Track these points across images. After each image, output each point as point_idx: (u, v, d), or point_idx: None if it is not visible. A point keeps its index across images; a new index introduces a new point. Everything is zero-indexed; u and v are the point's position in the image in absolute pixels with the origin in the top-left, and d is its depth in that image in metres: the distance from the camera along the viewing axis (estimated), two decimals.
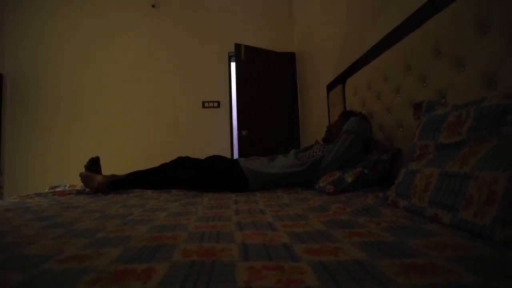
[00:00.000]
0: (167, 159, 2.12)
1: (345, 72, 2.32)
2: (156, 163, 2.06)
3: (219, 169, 1.86)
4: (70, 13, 4.06)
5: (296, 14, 4.09)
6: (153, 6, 4.08)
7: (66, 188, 2.16)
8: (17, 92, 3.93)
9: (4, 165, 3.83)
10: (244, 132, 3.54)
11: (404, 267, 0.44)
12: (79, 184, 2.14)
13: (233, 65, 4.21)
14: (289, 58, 4.06)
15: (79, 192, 1.80)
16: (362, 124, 1.78)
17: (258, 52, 3.77)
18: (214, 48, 4.13)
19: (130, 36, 4.09)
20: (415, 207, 0.86)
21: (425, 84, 1.37)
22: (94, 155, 1.95)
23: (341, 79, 2.40)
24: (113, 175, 1.82)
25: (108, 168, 2.11)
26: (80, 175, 1.79)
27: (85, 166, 1.85)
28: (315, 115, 3.36)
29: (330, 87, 2.71)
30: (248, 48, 3.67)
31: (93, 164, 1.87)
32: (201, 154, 2.26)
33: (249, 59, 3.66)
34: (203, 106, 4.07)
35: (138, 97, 4.02)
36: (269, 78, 3.86)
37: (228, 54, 4.14)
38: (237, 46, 3.61)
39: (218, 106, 4.08)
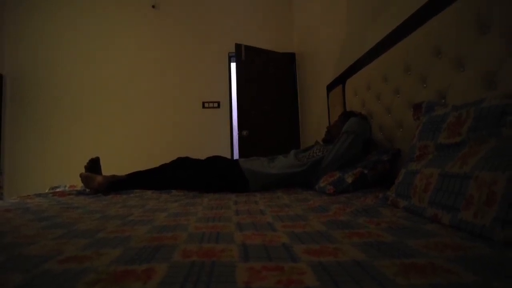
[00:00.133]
0: (167, 159, 2.12)
1: (345, 72, 2.32)
2: (156, 164, 2.07)
3: (219, 169, 1.86)
4: (70, 13, 4.06)
5: (296, 14, 4.10)
6: (153, 6, 4.08)
7: (66, 188, 2.16)
8: (17, 92, 3.93)
9: (4, 165, 3.83)
10: (244, 132, 3.54)
11: (404, 267, 0.44)
12: (79, 185, 2.14)
13: (233, 65, 4.21)
14: (289, 59, 4.06)
15: (79, 193, 1.80)
16: (362, 124, 1.78)
17: (258, 52, 3.77)
18: (214, 48, 4.13)
19: (130, 36, 4.09)
20: (415, 208, 0.86)
21: (425, 85, 1.37)
22: (94, 156, 1.95)
23: (341, 80, 2.40)
24: (113, 176, 1.82)
25: (108, 169, 2.11)
26: (80, 175, 1.79)
27: (85, 167, 1.85)
28: (315, 115, 3.36)
29: (330, 87, 2.71)
30: (248, 48, 3.67)
31: (93, 165, 1.87)
32: (201, 155, 2.26)
33: (250, 59, 3.66)
34: (203, 107, 4.07)
35: (138, 97, 4.02)
36: (269, 78, 3.86)
37: (228, 54, 4.14)
38: (238, 46, 3.61)
39: (218, 106, 4.08)
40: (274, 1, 4.28)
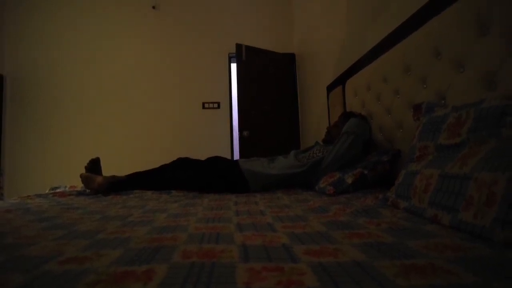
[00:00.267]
0: (167, 160, 2.12)
1: (345, 73, 2.33)
2: (156, 164, 2.07)
3: (219, 170, 1.86)
4: (70, 13, 4.06)
5: (296, 15, 4.10)
6: (153, 7, 4.08)
7: (67, 189, 2.16)
8: (17, 92, 3.93)
9: (4, 166, 3.83)
10: (245, 133, 3.54)
11: (404, 268, 0.44)
12: (79, 185, 2.14)
13: (233, 66, 4.21)
14: (289, 59, 4.06)
15: (79, 193, 1.80)
16: (362, 125, 1.78)
17: (258, 53, 3.77)
18: (214, 49, 4.13)
19: (130, 36, 4.09)
20: (415, 208, 0.86)
21: (425, 85, 1.37)
22: (94, 156, 1.95)
23: (341, 80, 2.41)
24: (113, 176, 1.82)
25: (108, 169, 2.11)
26: (81, 176, 1.79)
27: (86, 167, 1.85)
28: (315, 116, 3.36)
29: (330, 88, 2.71)
30: (249, 49, 3.67)
31: (94, 165, 1.87)
32: (201, 155, 2.27)
33: (250, 59, 3.66)
34: (203, 107, 4.07)
35: (138, 97, 4.03)
36: (269, 79, 3.87)
37: (228, 55, 4.15)
38: (238, 46, 3.61)
39: (218, 107, 4.08)
40: (274, 1, 4.29)
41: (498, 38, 0.97)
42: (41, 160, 3.86)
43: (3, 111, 3.87)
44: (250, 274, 0.43)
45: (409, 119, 1.44)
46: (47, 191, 2.10)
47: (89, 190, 1.79)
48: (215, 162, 1.98)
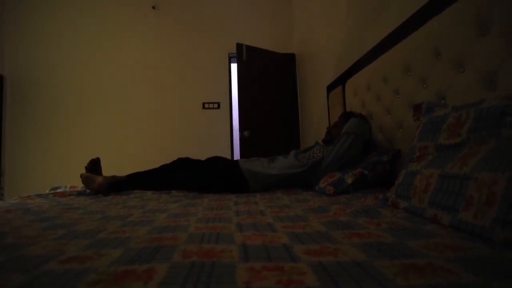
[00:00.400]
0: (167, 160, 2.12)
1: (345, 73, 2.33)
2: (156, 164, 2.07)
3: (219, 170, 1.87)
4: (70, 13, 4.07)
5: (296, 15, 4.10)
6: (153, 7, 4.08)
7: (67, 189, 2.16)
8: (17, 93, 3.93)
9: (4, 166, 3.83)
10: (246, 133, 3.53)
11: (403, 268, 0.44)
12: (79, 185, 2.14)
13: (233, 66, 4.21)
14: (289, 59, 4.06)
15: (79, 193, 1.80)
16: (362, 125, 1.78)
17: (259, 52, 3.77)
18: (214, 49, 4.13)
19: (130, 36, 4.09)
20: (415, 208, 0.86)
21: (424, 85, 1.37)
22: (94, 156, 1.95)
23: (341, 80, 2.41)
24: (113, 176, 1.82)
25: (109, 169, 2.12)
26: (81, 176, 1.80)
27: (86, 167, 1.85)
28: (315, 116, 3.36)
29: (330, 88, 2.71)
30: (249, 48, 3.67)
31: (94, 165, 1.87)
32: (201, 155, 2.27)
33: (251, 59, 3.66)
34: (203, 107, 4.07)
35: (138, 98, 4.03)
36: (269, 79, 3.87)
37: (228, 55, 4.15)
38: (239, 46, 3.61)
39: (218, 107, 4.08)
40: (274, 1, 4.29)
41: (498, 38, 0.97)
42: (41, 160, 3.86)
43: (3, 111, 3.87)
44: (250, 274, 0.43)
45: (409, 119, 1.44)
46: (47, 191, 2.11)
47: (89, 190, 1.79)
48: (215, 162, 1.99)
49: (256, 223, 0.80)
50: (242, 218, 0.88)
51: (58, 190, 2.09)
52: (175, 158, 2.04)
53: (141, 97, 4.03)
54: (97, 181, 1.76)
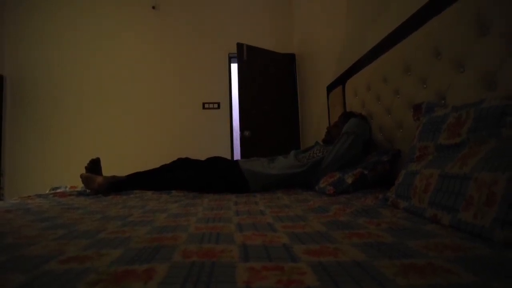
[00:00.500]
0: (167, 160, 2.12)
1: (345, 73, 2.33)
2: (156, 164, 2.07)
3: (219, 170, 1.87)
4: (70, 13, 4.06)
5: (296, 15, 4.10)
6: (153, 7, 4.08)
7: (67, 189, 2.16)
8: (17, 93, 3.93)
9: (4, 166, 3.83)
10: (246, 133, 3.53)
11: (403, 267, 0.44)
12: (80, 185, 2.14)
13: (233, 66, 4.21)
14: (289, 59, 4.06)
15: (79, 193, 1.80)
16: (362, 125, 1.78)
17: (259, 52, 3.77)
18: (214, 49, 4.13)
19: (130, 37, 4.09)
20: (415, 208, 0.86)
21: (425, 85, 1.37)
22: (94, 156, 1.95)
23: (341, 80, 2.41)
24: (113, 176, 1.82)
25: (109, 169, 2.12)
26: (81, 176, 1.80)
27: (86, 167, 1.86)
28: (315, 116, 3.36)
29: (330, 88, 2.71)
30: (250, 48, 3.67)
31: (94, 165, 1.87)
32: (201, 155, 2.27)
33: (251, 58, 3.66)
34: (203, 107, 4.07)
35: (138, 98, 4.03)
36: (269, 79, 3.86)
37: (228, 55, 4.15)
38: (240, 46, 3.60)
39: (218, 107, 4.08)
40: (274, 1, 4.29)
41: (498, 38, 0.97)
42: (41, 160, 3.86)
43: (3, 111, 3.86)
44: (250, 274, 0.43)
45: (409, 119, 1.44)
46: (47, 191, 2.11)
47: (90, 190, 1.79)
48: (215, 162, 1.99)
49: (256, 223, 0.80)
50: (242, 218, 0.88)
51: (58, 190, 2.09)
52: (175, 158, 2.04)
53: (141, 97, 4.03)
54: (97, 181, 1.76)
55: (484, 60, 1.03)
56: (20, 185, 3.78)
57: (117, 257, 0.51)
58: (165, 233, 0.69)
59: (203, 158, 2.05)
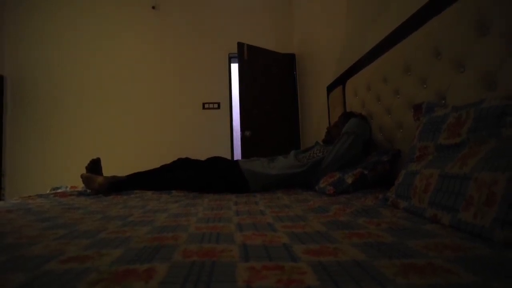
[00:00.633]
0: (168, 160, 2.13)
1: (345, 73, 2.33)
2: (156, 164, 2.07)
3: (219, 170, 1.87)
4: (70, 13, 4.07)
5: (296, 15, 4.10)
6: (153, 7, 4.09)
7: (68, 189, 2.16)
8: (17, 93, 3.93)
9: (5, 166, 3.83)
10: (247, 133, 3.52)
11: (403, 267, 0.44)
12: (80, 185, 2.14)
13: (233, 66, 4.21)
14: (289, 59, 4.06)
15: (80, 193, 1.80)
16: (362, 125, 1.78)
17: (260, 52, 3.77)
18: (214, 49, 4.13)
19: (130, 37, 4.10)
20: (415, 208, 0.86)
21: (425, 85, 1.37)
22: (95, 156, 1.95)
23: (341, 80, 2.41)
24: (114, 176, 1.82)
25: (109, 169, 2.12)
26: (81, 176, 1.80)
27: (86, 167, 1.86)
28: (315, 116, 3.36)
29: (330, 88, 2.71)
30: (250, 48, 3.66)
31: (94, 165, 1.87)
32: (201, 155, 2.27)
33: (251, 58, 3.66)
34: (203, 108, 4.07)
35: (138, 98, 4.03)
36: (270, 79, 3.86)
37: (228, 55, 4.15)
38: (240, 45, 3.59)
39: (218, 107, 4.08)
40: (274, 1, 4.29)
41: (498, 38, 0.97)
42: (41, 161, 3.86)
43: (3, 111, 3.87)
44: (250, 273, 0.43)
45: (409, 119, 1.44)
46: (48, 192, 2.11)
47: (90, 190, 1.79)
48: (215, 162, 1.99)
49: (256, 223, 0.81)
50: (242, 218, 0.88)
51: (59, 190, 2.09)
52: (175, 158, 2.04)
53: (141, 97, 4.03)
54: (97, 181, 1.76)
55: (484, 60, 1.03)
56: (20, 185, 3.78)
57: (118, 257, 0.51)
58: (165, 233, 0.69)
59: (203, 158, 2.06)
